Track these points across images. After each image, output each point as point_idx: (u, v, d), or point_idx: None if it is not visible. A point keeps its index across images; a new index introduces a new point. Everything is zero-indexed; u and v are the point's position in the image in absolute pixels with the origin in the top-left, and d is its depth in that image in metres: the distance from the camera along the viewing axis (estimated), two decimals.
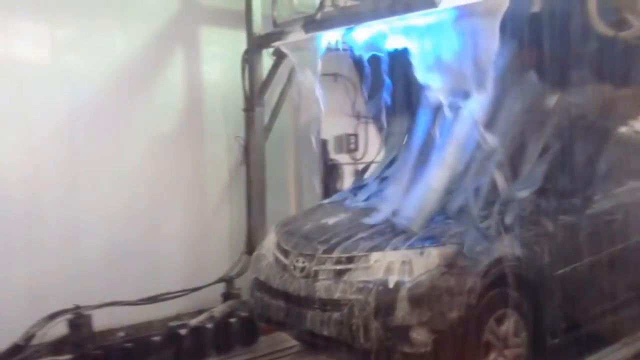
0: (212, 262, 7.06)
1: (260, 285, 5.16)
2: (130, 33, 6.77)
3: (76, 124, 6.36)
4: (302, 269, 4.80)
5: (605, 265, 5.17)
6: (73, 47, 6.44)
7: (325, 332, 4.58)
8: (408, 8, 5.52)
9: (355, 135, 8.31)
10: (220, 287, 6.83)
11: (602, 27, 4.72)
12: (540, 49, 5.19)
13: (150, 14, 6.91)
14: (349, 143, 8.23)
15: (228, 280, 6.83)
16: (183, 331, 6.02)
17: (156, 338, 5.92)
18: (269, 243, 5.41)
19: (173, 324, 6.19)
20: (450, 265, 4.42)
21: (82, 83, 6.42)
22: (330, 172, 7.86)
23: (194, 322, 6.20)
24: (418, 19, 5.48)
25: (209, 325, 6.16)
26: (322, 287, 4.63)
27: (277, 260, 5.13)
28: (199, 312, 6.51)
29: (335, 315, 4.53)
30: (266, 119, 7.24)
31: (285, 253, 5.06)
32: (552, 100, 5.35)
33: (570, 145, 5.20)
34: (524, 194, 4.95)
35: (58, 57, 6.29)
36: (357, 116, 8.14)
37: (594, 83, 5.33)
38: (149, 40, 6.90)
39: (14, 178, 5.98)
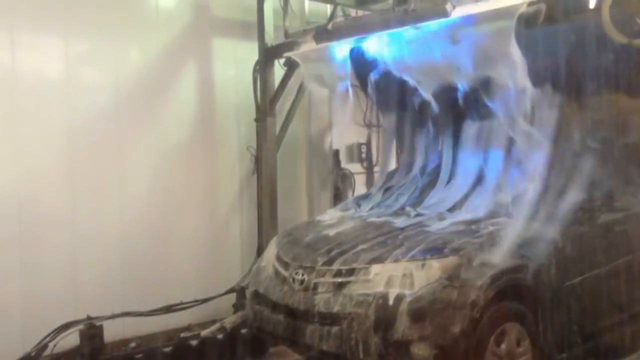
0: (223, 273, 6.95)
1: (260, 298, 4.98)
2: (143, 45, 6.72)
3: (90, 135, 6.31)
4: (302, 282, 4.61)
5: (616, 276, 4.91)
6: (87, 59, 6.40)
7: (324, 347, 4.38)
8: (420, 18, 5.40)
9: (367, 145, 8.15)
10: (232, 298, 6.68)
11: (616, 34, 4.50)
12: (555, 60, 5.02)
13: (163, 26, 6.86)
14: (360, 152, 8.07)
15: (239, 291, 6.67)
16: (194, 342, 5.89)
17: (167, 349, 5.79)
18: (270, 255, 5.24)
19: (184, 334, 6.06)
20: (452, 278, 4.21)
21: (96, 94, 6.39)
22: (342, 181, 7.71)
23: (205, 333, 6.07)
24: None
25: (220, 336, 6.01)
26: (322, 300, 4.45)
27: (276, 272, 4.95)
28: (211, 322, 6.39)
29: (335, 329, 4.33)
30: (278, 129, 7.13)
31: (285, 265, 4.88)
32: (566, 112, 5.12)
33: (580, 155, 4.98)
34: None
35: (72, 69, 6.24)
36: (369, 125, 8.00)
37: (609, 93, 5.15)
38: (162, 52, 6.85)
39: (28, 187, 5.95)
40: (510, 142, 5.44)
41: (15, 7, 5.88)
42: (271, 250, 5.27)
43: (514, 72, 4.78)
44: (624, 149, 5.26)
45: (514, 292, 4.37)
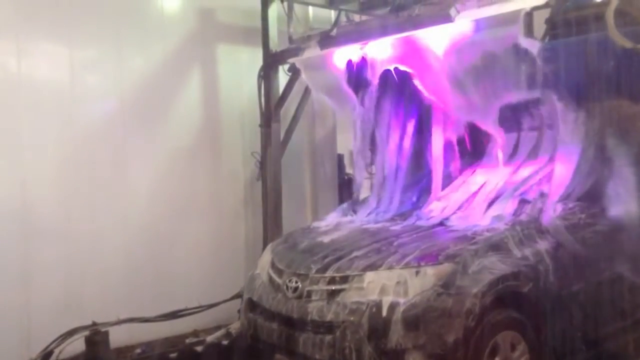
0: (228, 278, 6.82)
1: (254, 306, 4.84)
2: (148, 51, 6.67)
3: (95, 142, 6.26)
4: (295, 289, 4.46)
5: (616, 284, 4.70)
6: (92, 66, 6.35)
7: (318, 356, 4.22)
8: (424, 23, 5.30)
9: (371, 150, 7.98)
10: (237, 303, 6.54)
11: (620, 39, 4.33)
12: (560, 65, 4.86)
13: (168, 33, 6.80)
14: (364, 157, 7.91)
15: None
16: (199, 348, 5.78)
17: (173, 354, 5.69)
18: (264, 262, 5.10)
19: (190, 340, 5.99)
20: (446, 285, 4.04)
21: (101, 101, 6.35)
22: (347, 186, 7.57)
23: (210, 338, 5.96)
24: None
25: (225, 342, 5.90)
26: (315, 308, 4.29)
27: (271, 280, 4.80)
28: (216, 328, 6.28)
29: (328, 338, 4.18)
30: (282, 134, 7.02)
31: (279, 272, 4.73)
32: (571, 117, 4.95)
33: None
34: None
35: (77, 76, 6.20)
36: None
37: (613, 98, 4.98)
38: (166, 58, 6.79)
39: (35, 194, 5.90)
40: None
41: (20, 15, 5.85)
42: (266, 257, 5.13)
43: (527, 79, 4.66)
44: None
45: (511, 300, 4.20)
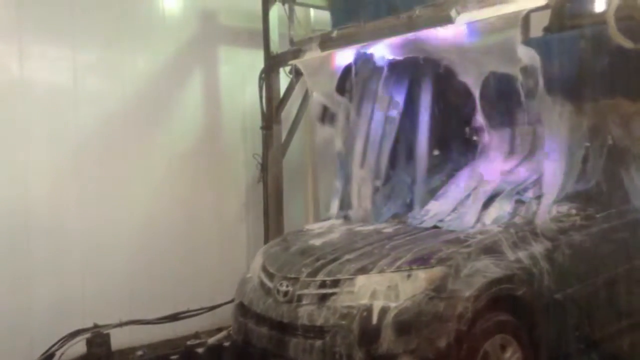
0: (230, 280, 6.64)
1: (244, 310, 4.71)
2: (151, 54, 6.62)
3: (97, 145, 6.22)
4: (286, 293, 4.33)
5: (612, 286, 4.56)
6: (95, 68, 6.30)
7: None
8: (425, 24, 5.22)
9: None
10: None
11: (621, 39, 4.20)
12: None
13: (171, 35, 6.75)
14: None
15: None
16: (201, 350, 5.71)
17: (174, 356, 5.62)
18: (256, 265, 4.97)
19: (191, 342, 5.89)
20: (438, 289, 3.91)
21: (104, 103, 6.29)
22: None
23: (211, 340, 5.89)
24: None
25: (227, 344, 5.83)
26: (305, 312, 4.16)
27: (261, 283, 4.67)
28: (218, 330, 6.21)
29: (318, 343, 4.04)
30: (283, 136, 6.95)
31: (270, 276, 4.60)
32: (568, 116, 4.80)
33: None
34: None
35: (80, 78, 6.15)
36: None
37: (612, 97, 4.86)
38: (169, 61, 6.75)
39: (37, 196, 5.87)
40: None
41: (24, 17, 5.81)
42: (257, 261, 5.00)
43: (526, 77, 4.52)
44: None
45: (504, 303, 4.06)
